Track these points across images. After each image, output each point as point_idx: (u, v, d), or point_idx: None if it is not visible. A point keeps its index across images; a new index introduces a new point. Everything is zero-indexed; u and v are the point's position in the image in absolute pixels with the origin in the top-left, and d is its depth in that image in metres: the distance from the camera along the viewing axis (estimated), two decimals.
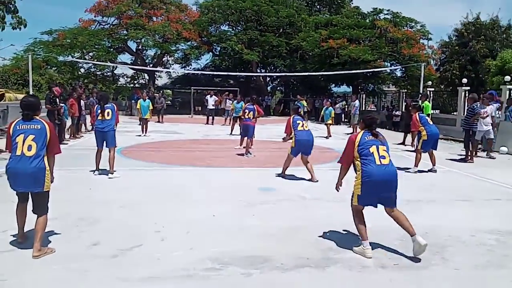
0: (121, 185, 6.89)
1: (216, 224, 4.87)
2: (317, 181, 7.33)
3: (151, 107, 15.48)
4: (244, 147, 10.69)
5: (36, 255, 3.75)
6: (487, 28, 29.27)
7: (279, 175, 7.78)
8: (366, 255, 3.95)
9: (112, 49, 29.92)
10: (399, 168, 8.80)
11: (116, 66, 31.88)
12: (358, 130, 4.62)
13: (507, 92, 14.26)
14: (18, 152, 3.83)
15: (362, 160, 4.06)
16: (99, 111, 7.51)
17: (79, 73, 30.68)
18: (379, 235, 4.40)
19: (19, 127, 3.92)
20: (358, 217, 4.15)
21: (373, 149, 4.07)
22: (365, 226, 4.09)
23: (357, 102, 18.97)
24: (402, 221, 4.04)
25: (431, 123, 8.87)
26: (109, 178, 7.29)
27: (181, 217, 5.11)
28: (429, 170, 8.70)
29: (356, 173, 4.12)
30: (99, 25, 30.60)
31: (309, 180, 7.44)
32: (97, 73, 32.13)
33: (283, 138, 8.08)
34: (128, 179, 7.29)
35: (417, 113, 8.87)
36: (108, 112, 7.48)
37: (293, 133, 7.55)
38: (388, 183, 4.03)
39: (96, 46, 28.25)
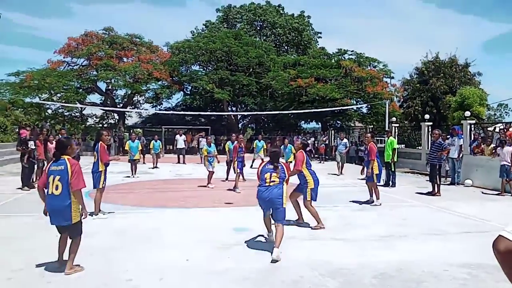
0: (90, 230, 6.61)
1: (190, 269, 4.74)
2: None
3: (140, 148, 15.31)
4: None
5: (68, 272, 4.42)
6: (446, 66, 31.06)
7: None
8: None
9: (81, 90, 29.66)
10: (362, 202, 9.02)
11: (85, 107, 31.53)
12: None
13: (468, 126, 14.95)
14: (49, 191, 4.43)
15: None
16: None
17: (46, 114, 30.10)
18: (356, 272, 4.40)
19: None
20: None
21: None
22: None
23: (345, 140, 17.34)
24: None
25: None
26: (93, 219, 7.21)
27: (154, 263, 4.95)
28: (367, 202, 9.10)
29: None
30: (68, 66, 30.40)
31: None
32: (65, 113, 31.65)
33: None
34: (97, 223, 7.05)
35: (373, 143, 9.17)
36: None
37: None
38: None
39: (64, 87, 27.94)
